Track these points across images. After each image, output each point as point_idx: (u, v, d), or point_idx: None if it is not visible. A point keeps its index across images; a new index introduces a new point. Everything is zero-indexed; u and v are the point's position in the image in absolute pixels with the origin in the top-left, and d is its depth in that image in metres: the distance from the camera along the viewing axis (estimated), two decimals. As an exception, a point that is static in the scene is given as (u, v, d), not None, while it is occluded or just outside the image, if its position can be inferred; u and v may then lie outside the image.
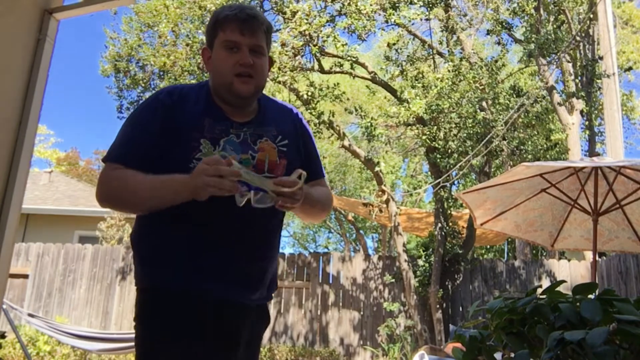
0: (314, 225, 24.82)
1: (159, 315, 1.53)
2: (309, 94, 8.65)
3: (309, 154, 1.75)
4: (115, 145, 1.63)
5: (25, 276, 9.74)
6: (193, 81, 8.30)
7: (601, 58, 10.74)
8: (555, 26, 10.58)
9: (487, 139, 8.68)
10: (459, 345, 1.47)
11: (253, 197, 1.47)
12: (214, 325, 1.53)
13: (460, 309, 9.36)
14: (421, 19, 8.78)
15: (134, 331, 1.59)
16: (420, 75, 9.05)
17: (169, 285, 1.53)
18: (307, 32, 7.94)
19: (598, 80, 11.05)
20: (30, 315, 6.81)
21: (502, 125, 8.84)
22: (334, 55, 9.01)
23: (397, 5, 8.39)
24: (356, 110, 9.32)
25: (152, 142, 1.57)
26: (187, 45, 8.46)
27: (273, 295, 1.75)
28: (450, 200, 9.09)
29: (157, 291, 1.55)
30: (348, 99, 10.51)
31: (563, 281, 1.56)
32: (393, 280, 9.52)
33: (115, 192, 1.56)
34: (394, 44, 9.38)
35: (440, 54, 10.08)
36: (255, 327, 1.67)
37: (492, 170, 10.75)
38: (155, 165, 1.54)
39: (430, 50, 9.99)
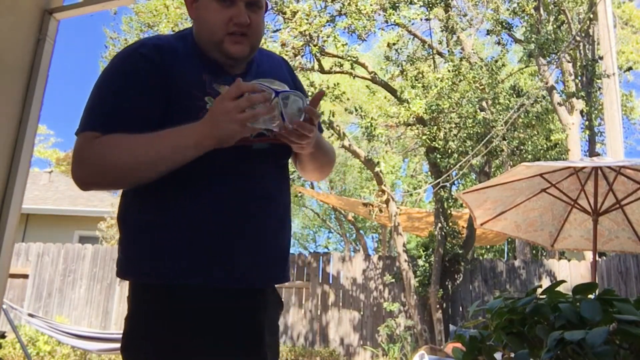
0: (314, 225, 24.84)
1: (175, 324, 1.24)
2: (309, 94, 8.64)
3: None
4: (90, 111, 1.28)
5: (25, 276, 9.74)
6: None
7: (601, 58, 10.73)
8: (555, 26, 10.56)
9: (487, 139, 8.68)
10: (459, 345, 1.47)
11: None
12: (240, 327, 1.29)
13: (460, 309, 9.36)
14: (421, 19, 8.79)
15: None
16: (420, 75, 9.05)
17: (184, 280, 1.26)
18: (307, 32, 7.94)
19: (598, 80, 11.04)
20: (30, 315, 6.79)
21: (502, 125, 8.84)
22: (334, 55, 9.01)
23: (397, 5, 8.39)
24: (356, 110, 9.32)
25: (144, 105, 1.26)
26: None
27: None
28: (450, 200, 9.09)
29: (168, 289, 1.26)
30: (348, 99, 10.51)
31: (563, 281, 1.56)
32: (393, 280, 9.52)
33: (103, 161, 1.22)
34: (394, 44, 9.39)
35: (440, 54, 10.08)
36: (274, 316, 1.46)
37: (492, 170, 10.75)
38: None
39: (430, 50, 9.99)
